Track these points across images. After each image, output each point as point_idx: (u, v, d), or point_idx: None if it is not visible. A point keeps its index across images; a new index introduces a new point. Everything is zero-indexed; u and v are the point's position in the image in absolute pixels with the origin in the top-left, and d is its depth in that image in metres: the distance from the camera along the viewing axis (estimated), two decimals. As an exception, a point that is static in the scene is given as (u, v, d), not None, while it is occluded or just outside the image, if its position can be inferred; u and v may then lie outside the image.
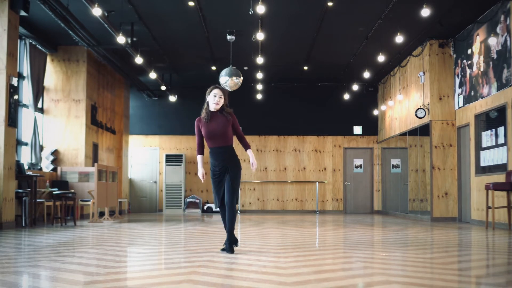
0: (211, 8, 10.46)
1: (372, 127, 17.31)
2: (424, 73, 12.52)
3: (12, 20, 9.31)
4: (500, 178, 9.73)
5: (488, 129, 10.51)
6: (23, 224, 9.60)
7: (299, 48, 13.21)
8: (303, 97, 17.23)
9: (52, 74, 12.84)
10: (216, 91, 5.61)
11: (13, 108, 9.30)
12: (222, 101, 5.62)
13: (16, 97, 9.46)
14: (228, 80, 11.23)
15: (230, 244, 5.61)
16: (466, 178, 11.66)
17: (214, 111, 5.64)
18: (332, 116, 17.25)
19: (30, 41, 11.52)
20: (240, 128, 5.86)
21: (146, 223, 11.15)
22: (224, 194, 5.64)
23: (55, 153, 12.63)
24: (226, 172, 5.63)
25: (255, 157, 5.78)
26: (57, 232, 8.45)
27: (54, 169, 12.39)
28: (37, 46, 11.97)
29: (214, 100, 5.59)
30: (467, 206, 11.65)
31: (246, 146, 5.78)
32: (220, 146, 5.62)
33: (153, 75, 13.68)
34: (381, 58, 12.24)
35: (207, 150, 5.90)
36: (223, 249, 5.71)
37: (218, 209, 5.73)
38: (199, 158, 5.78)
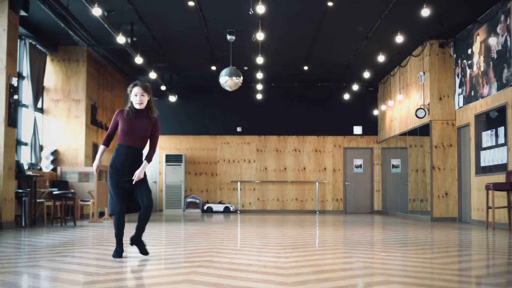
0: (211, 8, 10.46)
1: (372, 127, 17.30)
2: (424, 73, 12.52)
3: (12, 20, 9.31)
4: (500, 178, 9.72)
5: (488, 129, 10.50)
6: (23, 224, 9.60)
7: (299, 48, 13.21)
8: (303, 97, 17.23)
9: (52, 74, 12.84)
10: (136, 90, 5.19)
11: (13, 108, 9.30)
12: (145, 98, 5.21)
13: (16, 97, 9.46)
14: (228, 80, 11.24)
15: (142, 246, 5.31)
16: (466, 178, 11.66)
17: (139, 109, 5.24)
18: (332, 116, 17.24)
19: (30, 41, 11.52)
20: (158, 138, 5.35)
21: (146, 223, 11.14)
22: (127, 199, 5.21)
23: (55, 153, 12.62)
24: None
25: (144, 170, 5.20)
26: (57, 232, 8.45)
27: (54, 169, 12.39)
28: (37, 46, 11.97)
29: (136, 99, 5.19)
30: (467, 206, 11.65)
31: (147, 158, 5.22)
32: (134, 146, 5.19)
33: (153, 75, 13.68)
34: (381, 58, 12.23)
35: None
36: (141, 250, 5.29)
37: (115, 215, 5.16)
38: (101, 148, 5.35)
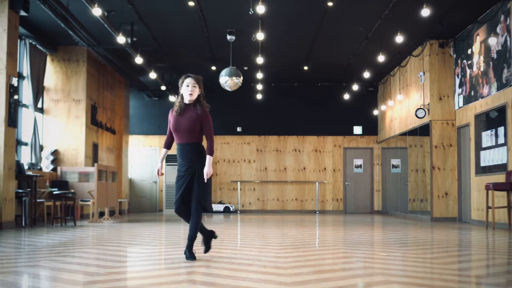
0: (211, 8, 10.46)
1: (372, 127, 17.31)
2: (424, 73, 12.52)
3: (12, 20, 9.31)
4: (500, 178, 9.73)
5: (488, 129, 10.51)
6: (23, 224, 9.60)
7: (299, 48, 13.21)
8: (303, 97, 17.23)
9: (52, 74, 12.84)
10: (188, 80, 5.08)
11: (13, 108, 9.30)
12: (196, 90, 5.08)
13: (16, 97, 9.46)
14: (228, 80, 11.24)
15: (190, 251, 5.04)
16: (466, 178, 11.66)
17: (188, 103, 5.11)
18: (332, 116, 17.25)
19: (30, 41, 11.52)
20: (211, 129, 5.13)
21: (146, 223, 11.15)
22: (184, 197, 5.04)
23: (55, 153, 12.62)
24: (193, 174, 5.04)
25: (211, 165, 5.03)
26: (57, 232, 8.45)
27: (54, 169, 12.39)
28: (37, 46, 11.97)
29: (187, 90, 5.06)
30: (467, 206, 11.65)
31: (208, 151, 5.06)
32: (186, 142, 5.06)
33: (153, 75, 13.68)
34: (381, 58, 12.24)
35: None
36: (188, 256, 5.05)
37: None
38: (162, 152, 5.26)
